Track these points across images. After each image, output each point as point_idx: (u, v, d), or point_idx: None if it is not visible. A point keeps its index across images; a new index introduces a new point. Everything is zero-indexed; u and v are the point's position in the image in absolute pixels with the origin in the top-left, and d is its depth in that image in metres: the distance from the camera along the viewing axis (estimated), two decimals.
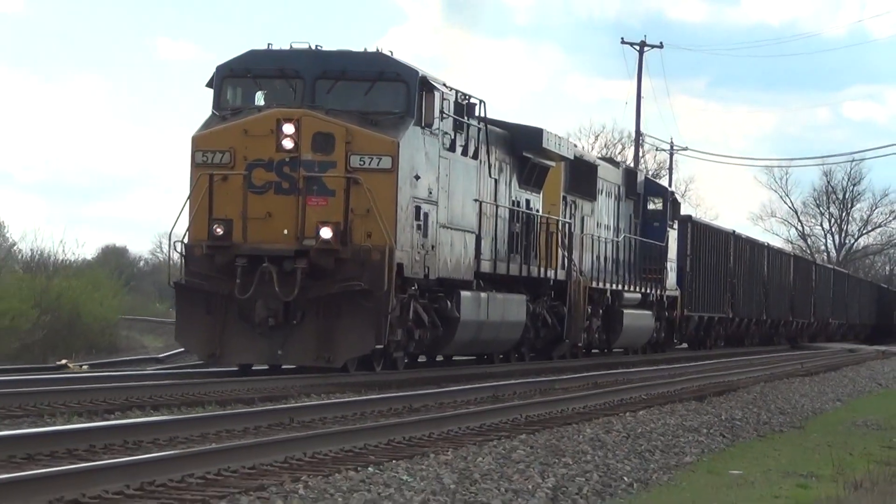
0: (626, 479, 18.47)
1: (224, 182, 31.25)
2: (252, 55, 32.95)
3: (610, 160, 56.23)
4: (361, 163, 31.16)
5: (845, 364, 61.78)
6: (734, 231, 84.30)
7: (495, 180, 39.37)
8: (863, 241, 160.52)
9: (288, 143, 30.95)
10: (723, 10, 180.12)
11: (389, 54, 33.05)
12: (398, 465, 17.54)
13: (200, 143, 31.71)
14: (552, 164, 45.14)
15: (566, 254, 46.58)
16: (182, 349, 43.32)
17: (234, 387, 27.76)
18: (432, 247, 33.73)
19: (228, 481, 15.46)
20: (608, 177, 54.06)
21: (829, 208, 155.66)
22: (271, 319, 30.57)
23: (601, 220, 52.56)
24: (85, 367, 39.12)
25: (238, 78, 32.74)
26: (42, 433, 18.39)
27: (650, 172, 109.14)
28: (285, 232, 30.92)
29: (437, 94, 33.27)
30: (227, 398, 26.10)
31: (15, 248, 74.38)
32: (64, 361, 40.83)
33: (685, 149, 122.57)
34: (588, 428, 24.33)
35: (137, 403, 24.22)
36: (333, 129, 31.17)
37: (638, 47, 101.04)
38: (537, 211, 44.30)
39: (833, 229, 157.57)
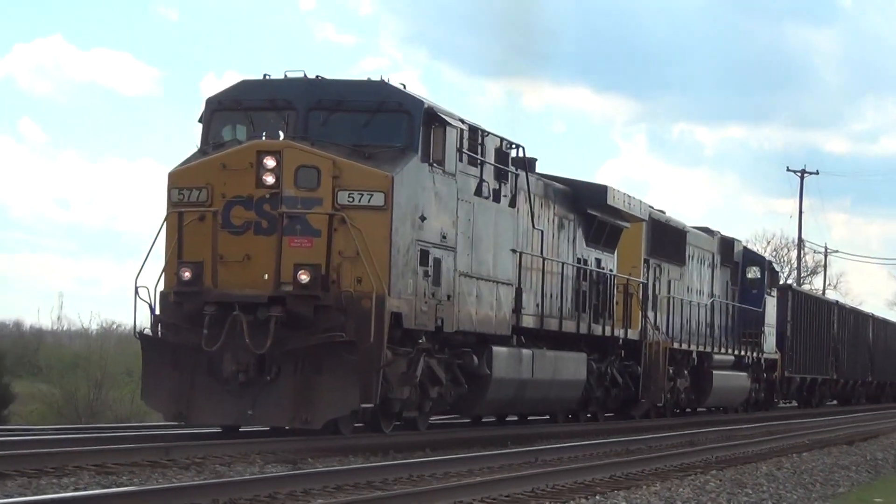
0: None
1: (201, 222, 22.40)
2: (243, 85, 24.27)
3: (705, 229, 47.44)
4: (350, 199, 22.29)
5: None
6: (837, 301, 79.32)
7: (542, 231, 29.97)
8: None
9: (269, 178, 22.22)
10: (865, 146, 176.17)
11: (388, 81, 24.14)
12: (618, 493, 18.07)
13: (176, 180, 23.02)
14: (626, 224, 36.12)
15: (643, 314, 37.46)
16: None
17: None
18: (448, 296, 24.61)
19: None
20: (700, 244, 45.63)
21: None
22: (241, 375, 21.57)
23: (692, 284, 43.90)
24: None
25: (228, 111, 23.99)
26: None
27: (808, 270, 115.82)
28: (265, 277, 22.09)
29: (449, 129, 24.33)
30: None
31: None
32: None
33: (836, 251, 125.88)
34: (763, 466, 24.90)
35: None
36: (319, 161, 22.30)
37: (799, 174, 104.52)
38: (611, 270, 35.30)
39: None
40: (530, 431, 30.12)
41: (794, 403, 64.27)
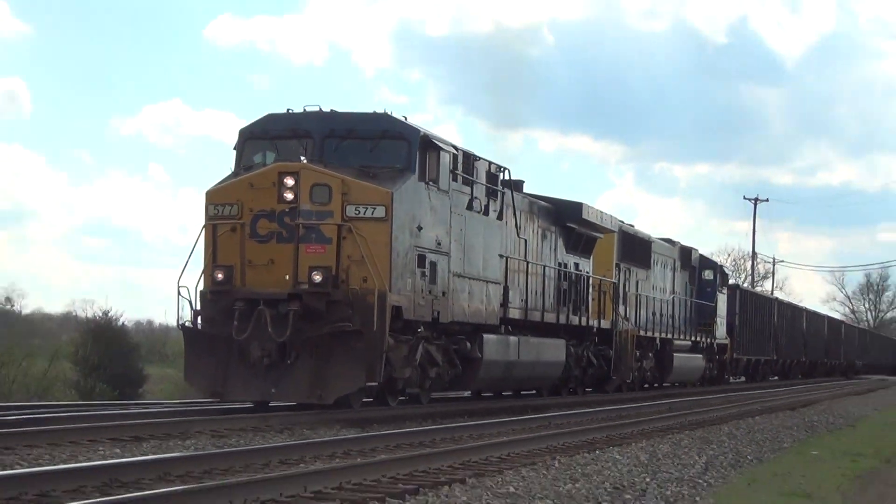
0: (748, 457, 19.19)
1: (232, 232, 20.82)
2: (270, 118, 22.57)
3: (667, 239, 45.82)
4: (357, 212, 20.66)
5: (878, 388, 62.40)
6: (777, 297, 78.29)
7: (525, 240, 28.29)
8: (889, 315, 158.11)
9: (288, 195, 20.63)
10: (805, 178, 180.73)
11: (392, 114, 22.37)
12: (613, 449, 17.94)
13: (212, 197, 21.41)
14: (600, 235, 34.27)
15: (615, 308, 35.77)
16: None
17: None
18: (443, 293, 22.94)
19: (517, 459, 15.63)
20: (663, 251, 43.78)
21: (868, 296, 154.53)
22: (266, 359, 20.01)
23: (656, 284, 42.02)
24: None
25: (257, 139, 22.33)
26: None
27: (760, 276, 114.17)
28: (286, 277, 20.39)
29: (442, 154, 22.68)
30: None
31: None
32: None
33: (782, 261, 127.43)
34: (725, 427, 24.99)
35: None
36: (330, 180, 20.71)
37: (753, 201, 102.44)
38: (587, 273, 33.47)
39: (870, 308, 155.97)
40: (523, 404, 28.35)
41: (743, 379, 62.42)
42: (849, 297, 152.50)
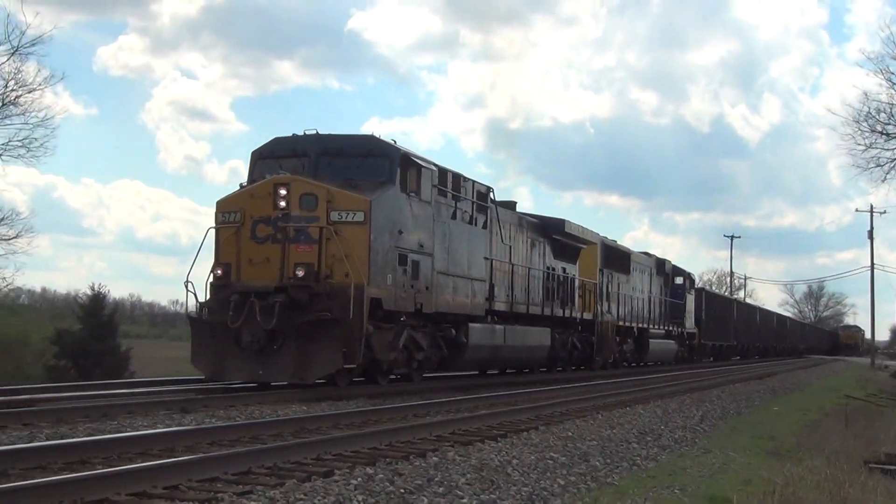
0: (731, 411, 18.57)
1: (236, 234, 16.50)
2: (276, 141, 18.25)
3: (645, 253, 41.01)
4: (339, 217, 16.27)
5: (818, 364, 60.84)
6: (736, 298, 73.58)
7: (510, 246, 23.43)
8: (825, 314, 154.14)
9: (282, 203, 16.33)
10: (764, 222, 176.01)
11: (378, 136, 18.01)
12: (638, 406, 17.16)
13: (220, 206, 17.09)
14: (583, 245, 29.46)
15: (598, 304, 30.78)
16: None
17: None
18: (426, 287, 18.33)
19: (572, 413, 14.90)
20: (641, 261, 38.67)
21: (810, 300, 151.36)
22: (255, 344, 15.69)
23: (635, 286, 36.83)
24: None
25: (266, 159, 17.95)
26: None
27: (736, 287, 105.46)
28: (300, 273, 16.07)
29: (424, 171, 18.20)
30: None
31: None
32: None
33: (750, 277, 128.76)
34: (714, 391, 23.80)
35: None
36: (317, 190, 16.35)
37: (730, 237, 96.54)
38: (573, 275, 28.57)
39: (811, 309, 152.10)
40: (520, 380, 23.85)
41: (712, 359, 56.73)
42: (797, 302, 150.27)
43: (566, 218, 27.62)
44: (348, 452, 9.36)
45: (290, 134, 18.05)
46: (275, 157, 17.74)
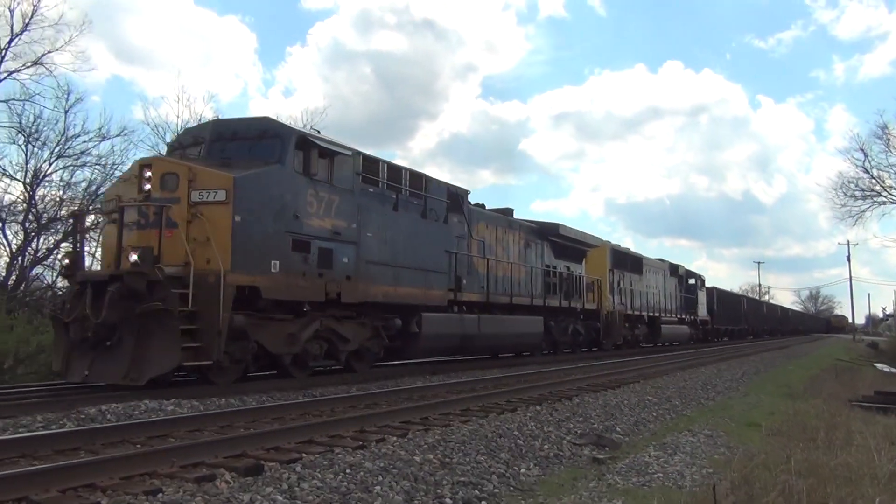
0: (761, 370, 16.36)
1: (113, 224, 8.82)
2: (185, 131, 10.88)
3: (660, 259, 31.19)
4: (201, 197, 8.41)
5: (818, 339, 52.99)
6: (745, 293, 61.00)
7: (482, 241, 14.71)
8: (821, 308, 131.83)
9: (145, 185, 8.63)
10: (780, 252, 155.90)
11: (275, 118, 10.14)
12: (700, 367, 14.81)
13: (104, 197, 9.63)
14: (587, 248, 20.39)
15: (602, 296, 21.47)
16: None
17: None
18: (347, 277, 10.18)
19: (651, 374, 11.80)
20: (654, 265, 28.58)
21: (811, 300, 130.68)
22: (88, 340, 8.01)
23: (648, 284, 26.96)
24: None
25: (174, 150, 10.31)
26: None
27: (763, 294, 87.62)
28: (133, 258, 8.11)
29: (335, 156, 10.08)
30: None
31: None
32: None
33: (771, 287, 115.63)
34: (703, 368, 15.92)
35: None
36: (178, 169, 8.60)
37: (757, 264, 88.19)
38: (580, 273, 19.63)
39: (812, 306, 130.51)
40: (521, 361, 15.64)
41: (727, 339, 44.84)
42: (802, 301, 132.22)
43: (563, 223, 18.79)
44: None
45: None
46: (182, 147, 10.19)
